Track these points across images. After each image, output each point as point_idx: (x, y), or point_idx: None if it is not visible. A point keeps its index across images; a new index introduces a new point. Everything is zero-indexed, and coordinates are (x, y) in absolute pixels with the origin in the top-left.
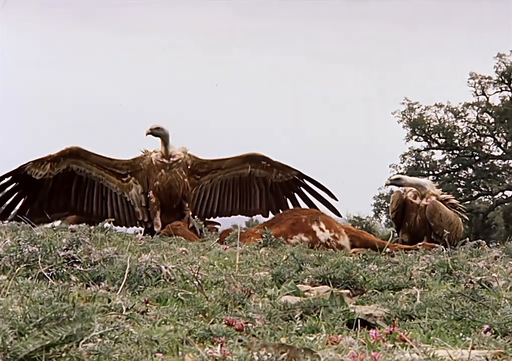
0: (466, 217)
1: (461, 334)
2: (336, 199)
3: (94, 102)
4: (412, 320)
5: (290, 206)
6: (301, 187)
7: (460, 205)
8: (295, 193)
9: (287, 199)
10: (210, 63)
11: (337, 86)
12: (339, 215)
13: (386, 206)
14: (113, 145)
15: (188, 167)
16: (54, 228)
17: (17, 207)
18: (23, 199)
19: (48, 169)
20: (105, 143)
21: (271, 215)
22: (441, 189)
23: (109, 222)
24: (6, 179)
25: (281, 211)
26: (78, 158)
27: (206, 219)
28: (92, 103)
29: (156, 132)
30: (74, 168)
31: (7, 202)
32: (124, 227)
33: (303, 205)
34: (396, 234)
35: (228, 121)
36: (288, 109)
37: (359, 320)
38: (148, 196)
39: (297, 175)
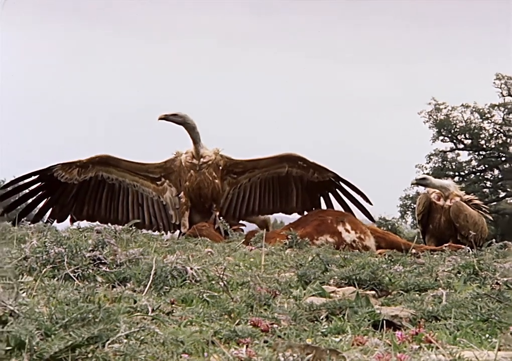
0: (490, 218)
1: (487, 335)
2: (371, 204)
3: (109, 103)
4: (438, 321)
5: (323, 206)
6: (336, 189)
7: (483, 205)
8: (329, 193)
9: (322, 198)
10: (225, 63)
11: (360, 86)
12: (372, 220)
13: (412, 207)
14: (126, 148)
15: (220, 167)
16: (80, 229)
17: (39, 207)
18: (45, 200)
19: (75, 174)
20: (118, 146)
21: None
22: (464, 192)
23: (135, 224)
24: (33, 177)
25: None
26: (108, 166)
27: (247, 217)
28: (107, 104)
29: (173, 118)
30: (105, 176)
31: (29, 201)
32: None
33: (336, 206)
34: (421, 236)
35: (245, 120)
36: (309, 109)
37: (384, 321)
38: (179, 196)
39: (334, 177)
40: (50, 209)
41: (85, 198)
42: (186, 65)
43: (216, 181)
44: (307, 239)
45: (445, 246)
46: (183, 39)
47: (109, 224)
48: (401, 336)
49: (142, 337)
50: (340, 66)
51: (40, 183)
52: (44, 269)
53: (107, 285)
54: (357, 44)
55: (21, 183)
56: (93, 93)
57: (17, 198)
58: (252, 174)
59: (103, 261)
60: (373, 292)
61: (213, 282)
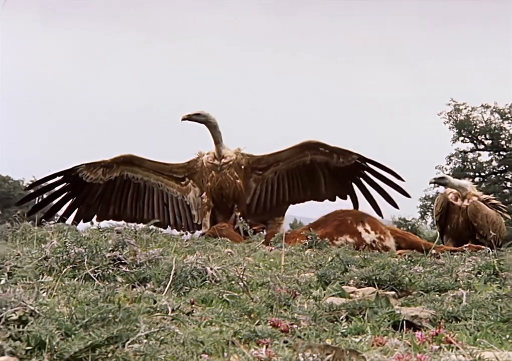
0: (509, 217)
1: (507, 336)
2: (403, 180)
3: (126, 104)
4: (458, 322)
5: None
6: (365, 171)
7: (501, 205)
8: (360, 178)
9: (354, 184)
10: (240, 63)
11: (379, 87)
12: (408, 196)
13: (432, 207)
14: (150, 149)
15: (242, 167)
16: (100, 229)
17: (64, 208)
18: (71, 200)
19: (100, 174)
20: (144, 147)
21: (339, 200)
22: (482, 192)
23: (155, 224)
24: (57, 178)
25: (348, 197)
26: (132, 166)
27: (279, 208)
28: (125, 105)
29: (195, 118)
30: (130, 176)
31: (54, 202)
32: (186, 232)
33: (370, 189)
34: (439, 237)
35: (261, 121)
36: (325, 110)
37: (404, 322)
38: (201, 196)
39: (359, 158)
40: (76, 209)
41: (111, 198)
42: (198, 65)
43: (238, 181)
44: (327, 239)
45: (465, 247)
46: (194, 39)
47: (135, 223)
48: (421, 336)
49: (162, 337)
50: (357, 67)
51: (65, 183)
52: (65, 270)
53: (127, 285)
54: (373, 45)
55: (44, 184)
56: (125, 95)
57: (38, 199)
58: (277, 167)
59: (123, 261)
60: (393, 292)
61: (233, 282)
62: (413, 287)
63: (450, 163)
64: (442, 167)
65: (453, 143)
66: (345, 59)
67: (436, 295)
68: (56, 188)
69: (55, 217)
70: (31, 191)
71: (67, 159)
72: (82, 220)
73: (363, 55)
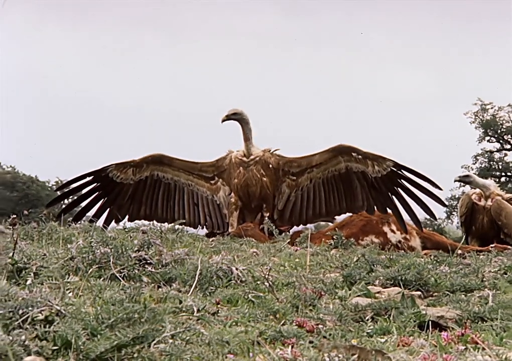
0: None
1: None
2: (440, 189)
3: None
4: (484, 322)
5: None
6: (402, 180)
7: None
8: (398, 188)
9: (393, 196)
10: (259, 65)
11: (402, 86)
12: (444, 205)
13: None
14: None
15: (270, 166)
16: (126, 230)
17: (95, 208)
18: (102, 200)
19: (130, 174)
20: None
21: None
22: (505, 191)
23: (180, 224)
24: (88, 178)
25: (388, 209)
26: (162, 165)
27: (315, 220)
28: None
29: (234, 117)
30: (160, 175)
31: (84, 203)
32: (217, 231)
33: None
34: (464, 237)
35: (282, 122)
36: (350, 110)
37: (430, 322)
38: (230, 196)
39: (394, 165)
40: (107, 210)
41: (142, 198)
42: (221, 65)
43: (264, 179)
44: (353, 239)
45: (491, 247)
46: (218, 40)
47: (167, 223)
48: (447, 337)
49: (187, 337)
50: (381, 66)
51: (95, 184)
52: (90, 270)
53: (153, 285)
54: (397, 44)
55: (74, 185)
56: (148, 97)
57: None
58: (312, 174)
59: (148, 261)
60: (419, 293)
61: (258, 282)
62: (439, 287)
63: (476, 162)
64: (469, 166)
65: (479, 142)
66: (368, 58)
67: (462, 295)
68: (87, 189)
69: (85, 218)
70: (59, 192)
71: (90, 159)
72: (113, 221)
73: (387, 54)
